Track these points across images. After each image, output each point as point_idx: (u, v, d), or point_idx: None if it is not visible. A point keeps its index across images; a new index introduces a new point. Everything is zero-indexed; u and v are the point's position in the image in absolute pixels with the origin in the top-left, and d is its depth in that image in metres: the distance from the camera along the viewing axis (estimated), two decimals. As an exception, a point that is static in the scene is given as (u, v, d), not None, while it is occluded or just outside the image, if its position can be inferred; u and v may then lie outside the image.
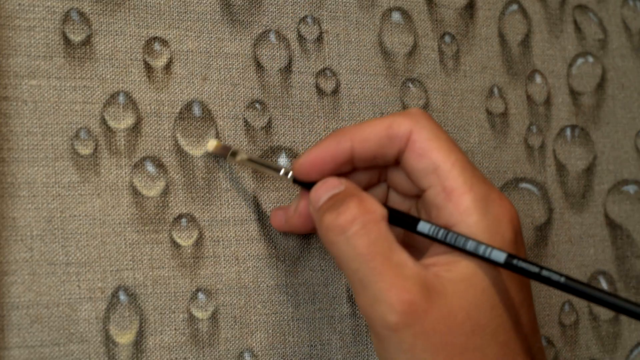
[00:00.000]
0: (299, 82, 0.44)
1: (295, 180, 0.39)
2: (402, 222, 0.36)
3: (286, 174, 0.39)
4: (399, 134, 0.37)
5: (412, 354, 0.33)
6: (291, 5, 0.44)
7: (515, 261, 0.34)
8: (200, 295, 0.40)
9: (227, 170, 0.41)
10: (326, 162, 0.37)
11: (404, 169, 0.37)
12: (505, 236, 0.35)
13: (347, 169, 0.38)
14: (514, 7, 0.51)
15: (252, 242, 0.41)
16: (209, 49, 0.42)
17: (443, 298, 0.33)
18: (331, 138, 0.38)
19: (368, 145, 0.37)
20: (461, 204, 0.35)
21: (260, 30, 0.43)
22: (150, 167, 0.40)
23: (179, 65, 0.41)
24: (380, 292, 0.33)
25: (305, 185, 0.38)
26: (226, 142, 0.41)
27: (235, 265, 0.41)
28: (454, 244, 0.34)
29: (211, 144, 0.41)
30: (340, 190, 0.36)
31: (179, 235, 0.40)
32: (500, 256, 0.34)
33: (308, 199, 0.38)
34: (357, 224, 0.34)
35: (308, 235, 0.42)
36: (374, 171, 0.40)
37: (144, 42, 0.41)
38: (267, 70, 0.43)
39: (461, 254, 0.34)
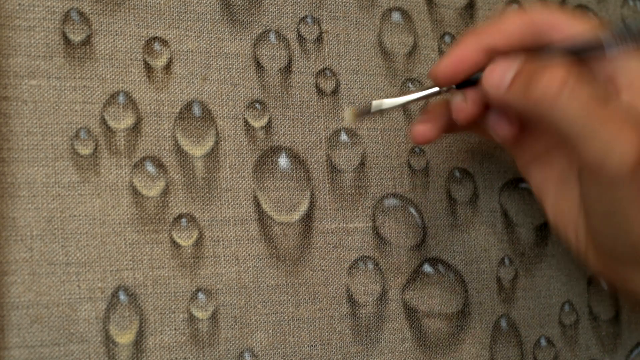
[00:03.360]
0: (299, 82, 0.44)
1: (459, 85, 0.38)
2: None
3: (439, 93, 0.38)
4: (544, 22, 0.37)
5: None
6: (291, 5, 0.44)
7: None
8: (200, 295, 0.40)
9: (227, 170, 0.41)
10: (467, 62, 0.37)
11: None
12: None
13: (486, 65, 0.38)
14: (514, 7, 0.50)
15: (252, 242, 0.41)
16: (209, 49, 0.42)
17: None
18: (467, 38, 0.37)
19: (511, 39, 0.37)
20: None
21: (260, 30, 0.43)
22: (150, 167, 0.40)
23: (179, 65, 0.41)
24: (613, 137, 0.33)
25: (462, 85, 0.37)
26: (360, 105, 0.40)
27: (235, 265, 0.41)
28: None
29: (348, 114, 0.39)
30: (521, 63, 0.35)
31: (179, 235, 0.40)
32: None
33: (479, 88, 0.37)
34: (571, 81, 0.34)
35: (308, 235, 0.42)
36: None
37: (144, 42, 0.41)
38: (267, 70, 0.43)
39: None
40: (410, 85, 0.46)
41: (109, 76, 0.40)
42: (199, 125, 0.41)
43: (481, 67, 0.37)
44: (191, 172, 0.41)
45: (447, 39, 0.48)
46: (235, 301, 0.41)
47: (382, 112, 0.39)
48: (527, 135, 0.41)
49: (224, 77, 0.42)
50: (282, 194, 0.42)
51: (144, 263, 0.39)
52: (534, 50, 0.37)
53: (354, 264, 0.43)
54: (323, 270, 0.43)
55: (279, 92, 0.43)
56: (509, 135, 0.39)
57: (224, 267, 0.41)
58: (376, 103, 0.39)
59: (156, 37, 0.41)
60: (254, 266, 0.41)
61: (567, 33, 0.37)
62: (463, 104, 0.38)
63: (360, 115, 0.40)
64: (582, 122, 0.33)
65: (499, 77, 0.36)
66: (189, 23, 0.42)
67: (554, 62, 0.35)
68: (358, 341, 0.43)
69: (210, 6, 0.42)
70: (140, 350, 0.38)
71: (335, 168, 0.44)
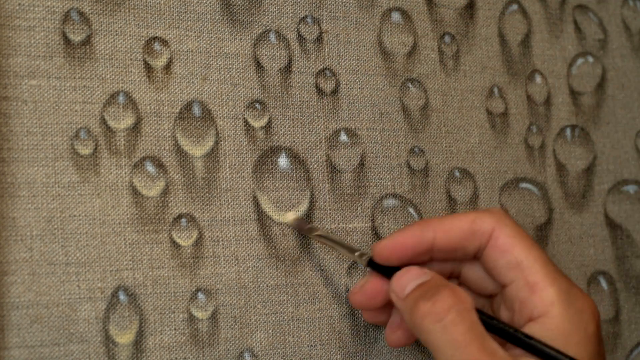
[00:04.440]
0: (299, 82, 0.44)
1: (369, 264, 0.39)
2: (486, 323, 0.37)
3: (361, 256, 0.40)
4: (481, 229, 0.38)
5: None
6: (291, 5, 0.44)
7: None
8: (200, 295, 0.40)
9: (227, 170, 0.41)
10: (407, 248, 0.38)
11: (484, 264, 0.39)
12: (588, 329, 0.36)
13: (425, 259, 0.39)
14: (514, 7, 0.50)
15: (252, 242, 0.41)
16: (209, 49, 0.42)
17: None
18: (414, 226, 0.39)
19: (451, 236, 0.38)
20: (545, 297, 0.36)
21: (260, 30, 0.43)
22: (150, 167, 0.40)
23: (179, 65, 0.41)
24: None
25: (380, 269, 0.39)
26: (302, 217, 0.42)
27: (235, 265, 0.41)
28: (534, 351, 0.35)
29: (289, 216, 0.42)
30: (427, 279, 0.37)
31: (179, 235, 0.40)
32: None
33: (378, 282, 0.39)
34: (452, 312, 0.35)
35: (308, 235, 0.42)
36: (448, 266, 0.40)
37: (144, 42, 0.41)
38: (267, 70, 0.43)
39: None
40: (410, 86, 0.46)
41: (109, 76, 0.40)
42: (199, 125, 0.41)
43: (420, 257, 0.39)
44: (191, 172, 0.41)
45: (447, 39, 0.48)
46: (235, 301, 0.41)
47: (311, 237, 0.42)
48: None
49: (224, 77, 0.42)
50: (282, 194, 0.42)
51: (143, 263, 0.39)
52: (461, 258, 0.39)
53: (353, 264, 0.43)
54: (323, 270, 0.43)
55: (279, 92, 0.43)
56: (396, 344, 0.41)
57: (224, 267, 0.41)
58: (311, 229, 0.41)
59: (156, 37, 0.41)
60: (254, 266, 0.41)
61: (500, 243, 0.38)
62: (357, 288, 0.40)
63: (294, 225, 0.42)
64: (452, 353, 0.34)
65: (402, 286, 0.37)
66: (189, 23, 0.42)
67: (450, 285, 0.36)
68: (358, 341, 0.43)
69: (210, 6, 0.42)
70: (140, 350, 0.38)
71: (335, 168, 0.44)
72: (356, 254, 0.40)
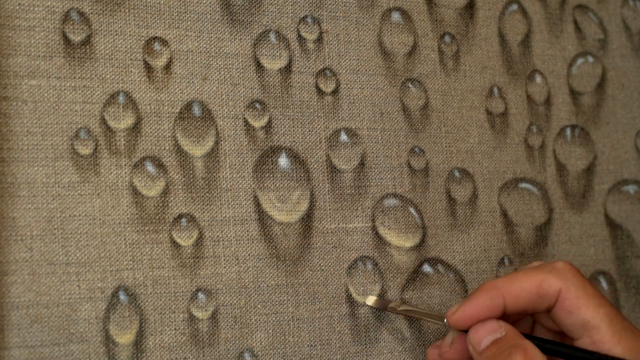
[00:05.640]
0: (299, 82, 0.44)
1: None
2: None
3: (442, 323, 0.41)
4: (549, 293, 0.39)
5: None
6: (291, 5, 0.44)
7: None
8: (200, 295, 0.40)
9: (227, 170, 0.41)
10: (480, 316, 0.40)
11: (553, 319, 0.40)
12: None
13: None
14: (514, 7, 0.51)
15: (252, 242, 0.41)
16: (209, 49, 0.42)
17: None
18: (483, 292, 0.40)
19: (519, 302, 0.40)
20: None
21: (260, 30, 0.43)
22: (150, 167, 0.40)
23: (179, 65, 0.41)
24: None
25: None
26: (384, 297, 0.44)
27: (235, 265, 0.41)
28: None
29: (370, 300, 0.43)
30: (501, 335, 0.38)
31: (179, 235, 0.40)
32: None
33: (464, 338, 0.41)
34: None
35: (308, 235, 0.42)
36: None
37: (144, 42, 0.41)
38: (267, 70, 0.43)
39: None
40: (410, 85, 0.46)
41: (109, 76, 0.40)
42: (199, 125, 0.41)
43: (492, 316, 0.40)
44: (191, 172, 0.41)
45: (447, 39, 0.48)
46: (235, 301, 0.41)
47: (396, 312, 0.43)
48: None
49: (224, 77, 0.42)
50: (282, 194, 0.42)
51: (144, 263, 0.39)
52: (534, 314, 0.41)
53: (353, 264, 0.43)
54: (323, 270, 0.43)
55: (279, 92, 0.43)
56: None
57: (224, 267, 0.41)
58: (393, 307, 0.43)
59: (156, 37, 0.41)
60: (254, 266, 0.41)
61: (567, 305, 0.39)
62: (447, 347, 0.42)
63: (376, 305, 0.43)
64: None
65: (478, 339, 0.39)
66: (189, 23, 0.42)
67: (521, 346, 0.37)
68: (357, 341, 0.43)
69: (210, 6, 0.42)
70: (140, 350, 0.38)
71: (335, 168, 0.44)
72: (445, 320, 0.41)
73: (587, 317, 0.39)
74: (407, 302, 0.44)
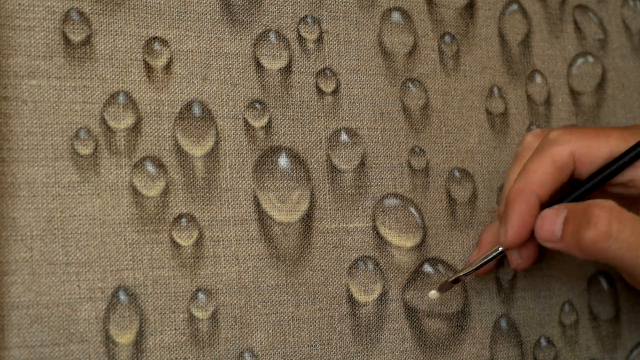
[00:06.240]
0: (299, 82, 0.44)
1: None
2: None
3: (500, 252, 0.42)
4: (564, 160, 0.40)
5: None
6: (291, 5, 0.44)
7: None
8: (200, 295, 0.40)
9: (227, 170, 0.41)
10: (527, 221, 0.40)
11: (581, 179, 0.41)
12: None
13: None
14: (514, 7, 0.51)
15: (252, 242, 0.41)
16: (209, 49, 0.42)
17: None
18: (515, 202, 0.40)
19: (547, 187, 0.40)
20: None
21: (260, 30, 0.43)
22: (150, 167, 0.40)
23: (179, 65, 0.41)
24: None
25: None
26: (444, 280, 0.44)
27: (235, 265, 0.41)
28: None
29: (433, 295, 0.43)
30: (567, 212, 0.39)
31: (179, 235, 0.40)
32: None
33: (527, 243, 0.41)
34: (614, 223, 0.36)
35: (308, 235, 0.42)
36: None
37: (144, 42, 0.41)
38: (267, 70, 0.43)
39: None
40: (410, 85, 0.46)
41: (109, 76, 0.40)
42: (199, 125, 0.41)
43: (535, 216, 0.41)
44: (191, 172, 0.41)
45: (447, 39, 0.48)
46: (235, 301, 0.40)
47: (464, 281, 0.44)
48: None
49: (224, 77, 0.42)
50: (282, 194, 0.42)
51: (144, 263, 0.39)
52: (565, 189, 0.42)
53: (354, 264, 0.43)
54: (323, 270, 0.43)
55: (279, 92, 0.43)
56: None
57: (224, 267, 0.41)
58: (456, 280, 0.43)
59: (156, 37, 0.41)
60: (254, 266, 0.41)
61: (587, 162, 0.40)
62: (519, 260, 0.42)
63: (444, 291, 0.44)
64: (632, 258, 0.36)
65: (550, 231, 0.39)
66: (189, 23, 0.42)
67: (592, 204, 0.38)
68: (358, 341, 0.43)
69: (210, 6, 0.42)
70: (140, 350, 0.38)
71: (335, 168, 0.44)
72: (499, 250, 0.41)
73: (609, 150, 0.40)
74: (457, 271, 0.45)
